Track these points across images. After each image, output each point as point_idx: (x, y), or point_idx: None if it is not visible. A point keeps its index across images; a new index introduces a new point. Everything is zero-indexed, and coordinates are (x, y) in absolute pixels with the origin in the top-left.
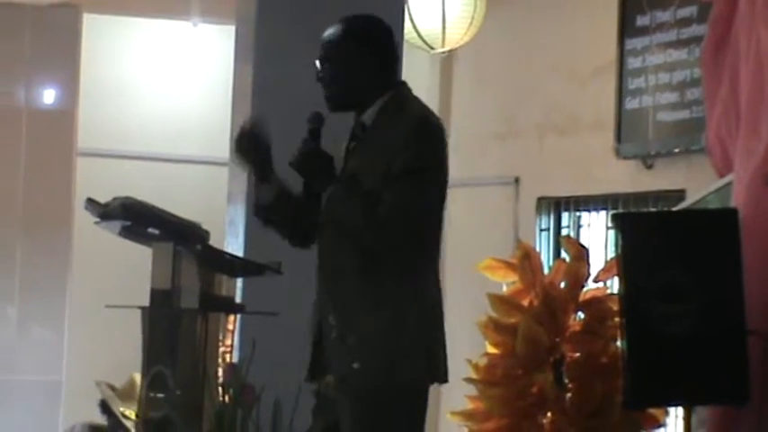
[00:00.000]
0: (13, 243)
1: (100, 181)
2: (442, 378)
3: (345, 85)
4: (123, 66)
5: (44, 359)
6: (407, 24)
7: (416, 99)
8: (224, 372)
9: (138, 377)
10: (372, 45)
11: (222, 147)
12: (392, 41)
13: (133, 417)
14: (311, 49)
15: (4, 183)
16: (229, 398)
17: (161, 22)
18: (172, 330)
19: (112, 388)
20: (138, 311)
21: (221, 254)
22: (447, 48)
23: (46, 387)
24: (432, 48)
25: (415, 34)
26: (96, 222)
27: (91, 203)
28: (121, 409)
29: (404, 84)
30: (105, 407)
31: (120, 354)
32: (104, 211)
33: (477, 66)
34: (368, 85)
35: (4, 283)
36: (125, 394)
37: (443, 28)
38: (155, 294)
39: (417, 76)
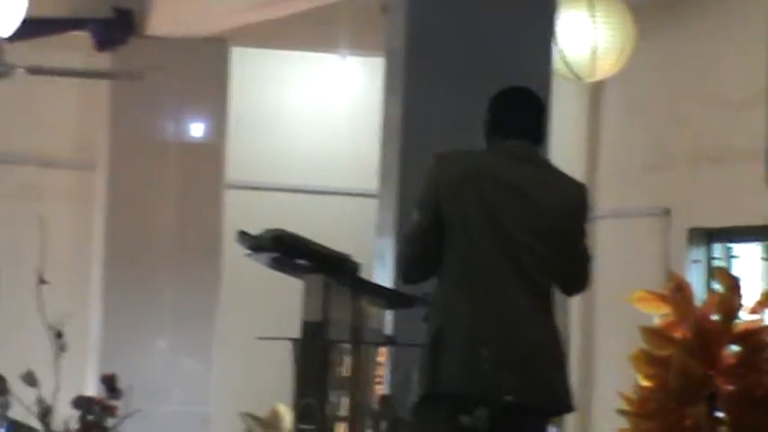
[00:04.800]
0: (163, 275)
1: (248, 213)
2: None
3: None
4: (271, 98)
5: (193, 390)
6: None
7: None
8: (377, 403)
9: (280, 408)
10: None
11: (371, 179)
12: (496, 106)
13: None
14: (460, 82)
15: (155, 215)
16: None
17: (309, 55)
18: (322, 362)
19: (256, 418)
20: (286, 343)
21: (372, 286)
22: (597, 78)
23: (195, 417)
24: (580, 78)
25: (563, 65)
26: (247, 254)
27: (242, 236)
28: None
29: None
30: None
31: (266, 385)
32: (256, 244)
33: (626, 95)
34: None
35: (156, 315)
36: (268, 425)
37: (593, 58)
38: (306, 326)
39: (566, 105)
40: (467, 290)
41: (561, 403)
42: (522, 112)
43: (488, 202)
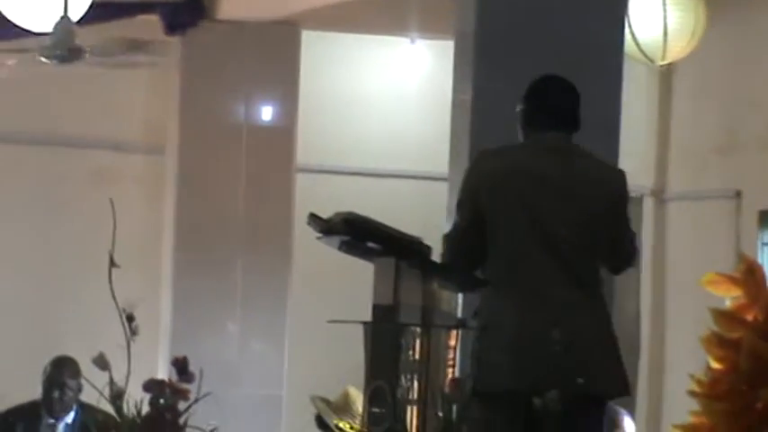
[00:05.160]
0: (234, 259)
1: (318, 196)
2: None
3: None
4: (341, 82)
5: (265, 373)
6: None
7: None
8: (448, 386)
9: (352, 390)
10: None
11: (440, 162)
12: (530, 96)
13: (348, 430)
14: (531, 65)
15: (225, 199)
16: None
17: (378, 39)
18: (393, 346)
19: (327, 401)
20: (357, 327)
21: (443, 269)
22: (668, 60)
23: (267, 401)
24: (652, 61)
25: (635, 47)
26: (318, 238)
27: (313, 219)
28: (335, 422)
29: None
30: (320, 421)
31: (337, 368)
32: (327, 227)
33: (697, 77)
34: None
35: (226, 298)
36: (339, 408)
37: (665, 40)
38: (377, 310)
39: (636, 88)
40: (510, 287)
41: (614, 388)
42: (557, 101)
43: (525, 197)
